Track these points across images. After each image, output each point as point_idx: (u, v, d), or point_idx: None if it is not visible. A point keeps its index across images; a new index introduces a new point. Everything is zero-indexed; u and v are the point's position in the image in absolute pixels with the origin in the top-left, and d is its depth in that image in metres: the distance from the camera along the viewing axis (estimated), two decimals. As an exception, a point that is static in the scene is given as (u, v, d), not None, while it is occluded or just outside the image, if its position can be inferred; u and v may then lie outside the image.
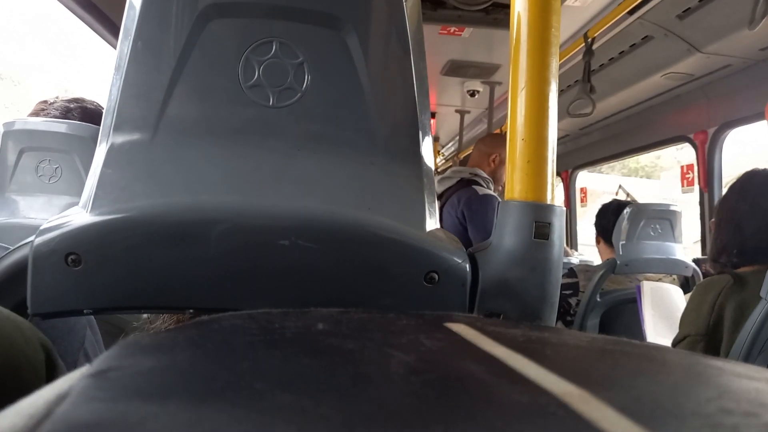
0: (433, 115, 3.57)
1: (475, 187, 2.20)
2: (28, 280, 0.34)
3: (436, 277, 0.36)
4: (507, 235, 0.38)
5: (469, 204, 2.14)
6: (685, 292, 1.77)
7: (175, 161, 0.36)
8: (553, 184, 0.39)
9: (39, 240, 0.34)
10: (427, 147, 0.39)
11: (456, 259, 0.37)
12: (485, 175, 2.25)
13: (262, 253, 0.35)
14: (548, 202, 0.38)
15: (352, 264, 0.36)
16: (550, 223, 0.37)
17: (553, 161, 0.39)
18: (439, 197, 2.38)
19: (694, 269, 1.86)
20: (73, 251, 0.34)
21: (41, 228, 0.34)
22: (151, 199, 0.35)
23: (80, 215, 0.34)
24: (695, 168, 2.28)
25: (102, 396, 0.16)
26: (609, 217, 1.94)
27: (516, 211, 0.38)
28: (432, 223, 0.38)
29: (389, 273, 0.36)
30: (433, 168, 0.40)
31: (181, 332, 0.24)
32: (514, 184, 0.39)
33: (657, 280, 1.84)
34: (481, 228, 2.08)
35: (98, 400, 0.16)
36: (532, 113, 0.38)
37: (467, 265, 0.37)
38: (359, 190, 0.37)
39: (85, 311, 0.35)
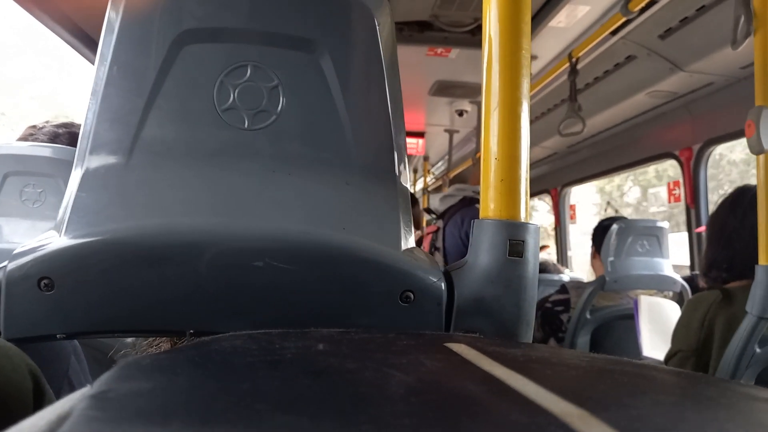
0: (422, 135, 3.59)
1: (478, 205, 2.18)
2: (1, 305, 0.34)
3: (412, 296, 0.36)
4: (482, 254, 0.38)
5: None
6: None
7: (149, 184, 0.36)
8: (527, 203, 0.39)
9: (12, 265, 0.34)
10: (402, 167, 0.39)
11: (431, 278, 0.37)
12: None
13: (236, 274, 0.35)
14: (522, 220, 0.39)
15: (327, 284, 0.36)
16: (524, 241, 0.38)
17: (526, 180, 0.39)
18: (442, 216, 2.36)
19: (683, 285, 1.87)
20: (45, 275, 0.33)
21: (14, 253, 0.34)
22: (125, 222, 0.35)
23: (53, 239, 0.34)
24: (681, 184, 2.30)
25: (103, 417, 0.16)
26: (605, 233, 1.95)
27: (490, 230, 0.38)
28: (407, 242, 0.38)
29: (365, 293, 0.36)
30: (408, 188, 0.40)
31: (181, 353, 0.24)
32: (488, 203, 0.39)
33: (649, 296, 1.85)
34: None
35: (99, 421, 0.16)
36: (505, 133, 0.39)
37: (443, 284, 0.37)
38: (334, 210, 0.37)
39: (58, 336, 0.35)
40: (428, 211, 2.63)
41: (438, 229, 2.40)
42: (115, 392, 0.18)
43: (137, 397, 0.17)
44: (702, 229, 2.14)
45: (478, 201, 2.22)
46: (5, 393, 0.34)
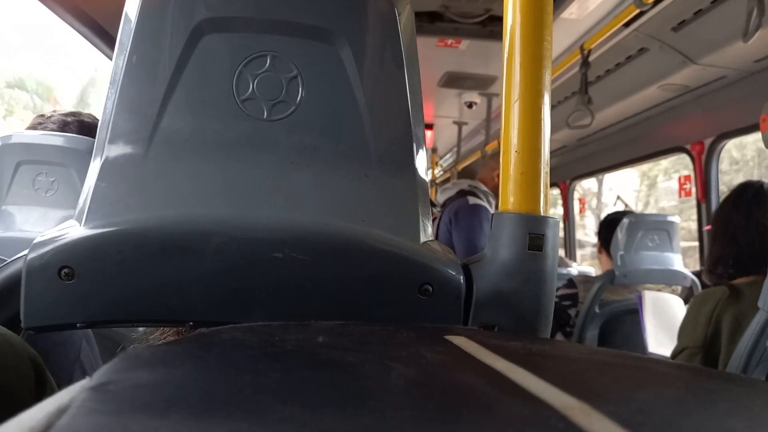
0: (430, 127, 3.58)
1: (468, 197, 2.24)
2: (22, 293, 0.34)
3: (431, 289, 0.36)
4: (501, 247, 0.38)
5: (456, 212, 2.20)
6: (685, 303, 1.77)
7: (168, 175, 0.36)
8: (547, 196, 0.39)
9: (32, 254, 0.34)
10: (421, 159, 0.39)
11: (450, 271, 0.37)
12: (485, 188, 2.29)
13: (255, 265, 0.35)
14: (542, 213, 0.38)
15: (346, 276, 0.35)
16: (543, 235, 0.37)
17: (546, 173, 0.39)
18: (441, 208, 2.43)
19: (693, 280, 1.86)
20: (66, 264, 0.34)
21: (34, 242, 0.34)
22: (145, 213, 0.35)
23: (73, 229, 0.34)
24: (693, 179, 2.29)
25: (103, 409, 0.16)
26: (612, 228, 1.95)
27: (510, 223, 0.38)
28: (426, 235, 0.38)
29: (383, 285, 0.36)
30: (427, 180, 0.40)
31: (181, 345, 0.24)
32: (508, 196, 0.39)
33: (656, 291, 1.84)
34: (463, 236, 2.14)
35: (99, 413, 0.16)
36: (526, 125, 0.38)
37: (461, 277, 0.37)
38: (353, 202, 0.37)
39: (78, 324, 0.35)
40: (432, 204, 2.73)
41: (435, 218, 2.48)
42: (115, 384, 0.18)
43: (137, 389, 0.18)
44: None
45: (472, 193, 2.27)
46: (8, 380, 0.34)
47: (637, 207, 8.43)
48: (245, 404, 0.16)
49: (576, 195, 3.59)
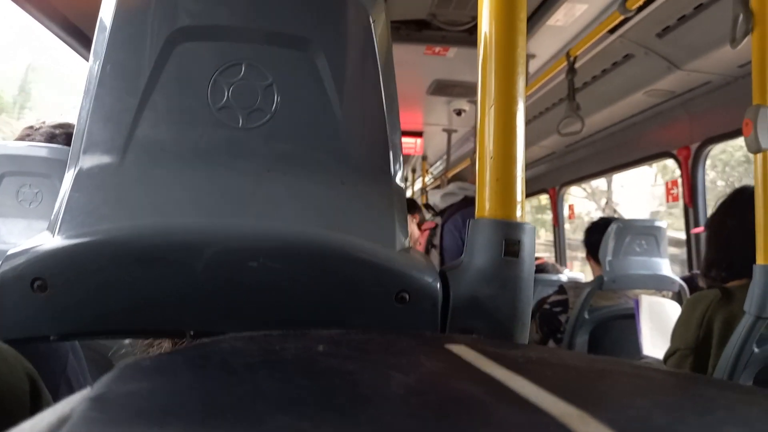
0: (420, 135, 3.59)
1: None
2: None
3: (407, 296, 0.36)
4: (477, 254, 0.38)
5: None
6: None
7: (143, 184, 0.36)
8: (523, 202, 0.39)
9: (5, 266, 0.34)
10: (397, 166, 0.39)
11: (427, 278, 0.37)
12: None
13: (231, 274, 0.35)
14: (518, 220, 0.38)
15: (322, 284, 0.35)
16: (519, 241, 0.38)
17: (522, 179, 0.39)
18: (441, 213, 2.34)
19: (681, 285, 1.87)
20: (38, 276, 0.33)
21: (8, 254, 0.34)
22: (119, 222, 0.34)
23: (47, 240, 0.34)
24: (680, 183, 2.30)
25: (103, 418, 0.16)
26: (597, 234, 1.95)
27: (486, 229, 0.38)
28: (402, 242, 0.38)
29: (360, 293, 0.36)
30: (404, 187, 0.40)
31: (181, 354, 0.24)
32: (484, 203, 0.39)
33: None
34: None
35: (100, 423, 0.15)
36: (500, 132, 0.39)
37: (438, 285, 0.37)
38: (329, 210, 0.37)
39: (52, 337, 0.34)
40: (427, 207, 2.61)
41: (436, 225, 2.37)
42: (115, 394, 0.18)
43: (137, 399, 0.17)
44: (699, 230, 2.15)
45: None
46: (1, 395, 0.34)
47: (652, 207, 8.04)
48: (244, 413, 0.16)
49: (570, 199, 3.60)
